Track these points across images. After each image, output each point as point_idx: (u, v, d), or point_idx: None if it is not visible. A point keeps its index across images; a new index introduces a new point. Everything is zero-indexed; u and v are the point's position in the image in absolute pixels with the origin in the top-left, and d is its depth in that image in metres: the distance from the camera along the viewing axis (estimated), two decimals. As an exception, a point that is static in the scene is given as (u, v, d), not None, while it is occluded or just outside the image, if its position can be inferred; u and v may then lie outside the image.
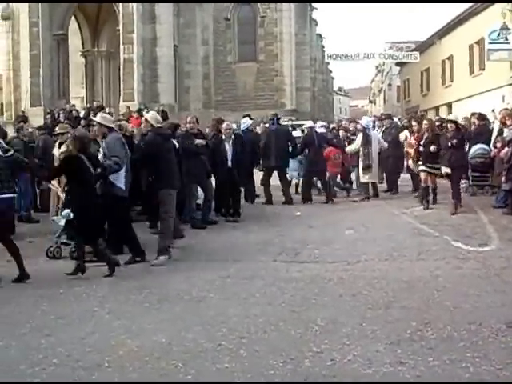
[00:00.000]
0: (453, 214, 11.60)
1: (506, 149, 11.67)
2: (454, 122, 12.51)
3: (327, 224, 11.23)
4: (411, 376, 4.43)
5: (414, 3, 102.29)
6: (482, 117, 16.60)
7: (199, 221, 11.06)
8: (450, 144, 11.95)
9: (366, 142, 14.16)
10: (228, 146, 11.73)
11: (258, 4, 38.55)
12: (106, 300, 6.64)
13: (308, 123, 16.21)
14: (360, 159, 14.38)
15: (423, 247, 8.95)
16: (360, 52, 35.99)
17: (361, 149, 14.26)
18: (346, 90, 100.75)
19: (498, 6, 27.84)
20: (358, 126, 15.29)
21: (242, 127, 14.50)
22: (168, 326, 5.68)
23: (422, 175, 12.65)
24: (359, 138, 14.45)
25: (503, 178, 11.75)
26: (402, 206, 13.02)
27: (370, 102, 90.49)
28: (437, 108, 38.62)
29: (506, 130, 12.66)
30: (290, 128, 18.25)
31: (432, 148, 12.18)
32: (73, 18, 36.29)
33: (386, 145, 14.78)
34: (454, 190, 12.12)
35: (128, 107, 27.19)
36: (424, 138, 12.68)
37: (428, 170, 12.49)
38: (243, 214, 12.00)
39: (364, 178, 14.51)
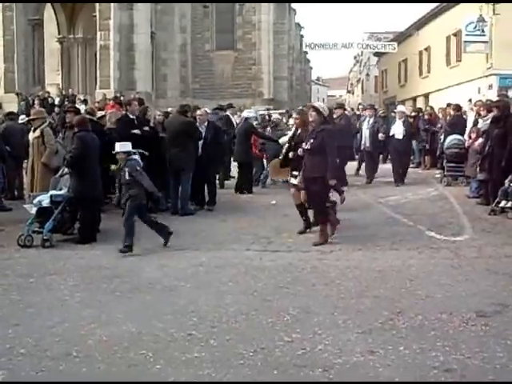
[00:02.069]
0: (316, 244, 8.48)
1: (480, 139, 11.76)
2: (316, 108, 8.77)
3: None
4: (381, 365, 4.44)
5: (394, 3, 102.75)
6: (457, 107, 16.76)
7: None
8: (303, 148, 8.80)
9: None
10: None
11: (237, -9, 38.32)
12: (77, 289, 6.56)
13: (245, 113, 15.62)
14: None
15: (397, 237, 8.98)
16: (338, 42, 35.92)
17: None
18: (324, 79, 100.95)
19: (475, -2, 27.99)
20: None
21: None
22: (138, 315, 5.63)
23: (292, 189, 9.59)
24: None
25: (477, 169, 11.84)
26: (377, 195, 13.06)
27: (348, 92, 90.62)
28: (414, 99, 38.81)
29: (480, 121, 12.77)
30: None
31: (299, 151, 9.05)
32: (48, 3, 35.71)
33: None
34: (316, 211, 8.97)
35: (104, 94, 26.95)
36: (295, 136, 9.71)
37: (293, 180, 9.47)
38: (218, 203, 11.94)
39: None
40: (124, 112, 11.93)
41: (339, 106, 17.18)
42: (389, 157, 17.21)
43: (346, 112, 17.55)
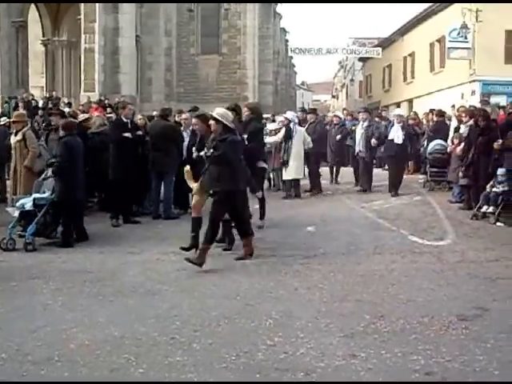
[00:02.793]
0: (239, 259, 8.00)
1: (463, 145, 11.86)
2: (214, 117, 7.94)
3: (286, 217, 11.25)
4: (363, 368, 4.46)
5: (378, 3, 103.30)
6: (440, 113, 16.90)
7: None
8: (198, 154, 8.39)
9: (288, 136, 13.30)
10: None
11: (222, -4, 38.34)
12: (60, 293, 6.52)
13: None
14: (280, 155, 13.66)
15: (380, 241, 9.04)
16: (323, 47, 36.13)
17: (282, 144, 13.41)
18: (308, 84, 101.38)
19: (458, 6, 28.30)
20: (281, 119, 14.47)
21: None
22: (121, 319, 5.61)
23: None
24: (282, 130, 13.57)
25: (460, 174, 11.95)
26: (361, 201, 13.13)
27: (333, 96, 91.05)
28: (398, 104, 39.04)
29: (462, 127, 12.87)
30: None
31: (194, 155, 8.70)
32: (33, 5, 35.51)
33: (310, 145, 13.68)
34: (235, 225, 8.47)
35: (89, 97, 26.84)
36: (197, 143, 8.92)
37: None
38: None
39: (284, 175, 13.88)
40: (113, 115, 11.87)
41: (311, 111, 17.12)
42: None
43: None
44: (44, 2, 35.77)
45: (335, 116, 18.38)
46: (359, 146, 14.97)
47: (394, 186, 14.18)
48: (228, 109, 8.63)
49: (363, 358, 4.65)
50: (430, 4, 32.66)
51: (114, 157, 10.49)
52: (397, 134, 13.99)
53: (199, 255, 7.52)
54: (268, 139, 13.27)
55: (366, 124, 15.06)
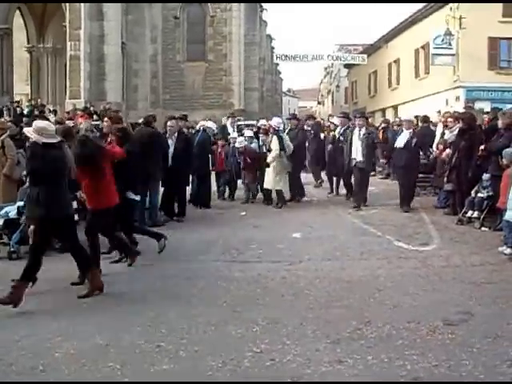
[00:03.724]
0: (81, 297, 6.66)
1: (448, 150, 11.93)
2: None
3: (272, 224, 11.24)
4: (349, 375, 4.46)
5: (364, 3, 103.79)
6: (425, 119, 16.99)
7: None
8: None
9: (282, 147, 12.93)
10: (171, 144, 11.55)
11: (208, 3, 38.39)
12: (45, 301, 6.48)
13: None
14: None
15: (366, 247, 9.05)
16: (309, 53, 36.25)
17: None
18: (294, 90, 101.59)
19: (442, 13, 28.58)
20: (266, 125, 14.16)
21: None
22: (107, 327, 5.57)
23: None
24: (274, 141, 13.03)
25: (445, 179, 12.01)
26: (347, 206, 13.14)
27: (319, 103, 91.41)
28: (383, 110, 39.29)
29: (447, 132, 12.94)
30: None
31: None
32: (18, 12, 35.37)
33: (291, 149, 13.35)
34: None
35: (74, 105, 26.75)
36: None
37: None
38: (188, 214, 11.90)
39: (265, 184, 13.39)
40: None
41: (293, 116, 16.53)
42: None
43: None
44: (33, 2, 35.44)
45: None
46: (357, 156, 13.14)
47: (406, 201, 12.60)
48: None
49: (350, 363, 4.65)
50: (415, 11, 32.93)
51: None
52: (403, 141, 12.53)
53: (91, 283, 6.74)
54: (269, 157, 13.02)
55: (363, 131, 13.23)
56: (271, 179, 13.06)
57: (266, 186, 13.40)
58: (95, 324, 5.66)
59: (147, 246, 8.86)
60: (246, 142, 14.12)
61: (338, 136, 14.69)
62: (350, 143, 13.28)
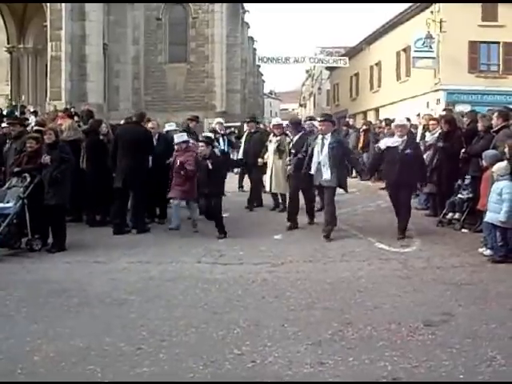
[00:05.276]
0: None
1: (428, 152, 11.98)
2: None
3: (254, 226, 11.23)
4: (330, 376, 4.47)
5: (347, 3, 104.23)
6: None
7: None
8: None
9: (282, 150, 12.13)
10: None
11: (190, 5, 38.24)
12: (24, 303, 6.40)
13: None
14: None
15: (347, 249, 9.08)
16: (291, 56, 36.25)
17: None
18: (276, 93, 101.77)
19: (423, 16, 28.82)
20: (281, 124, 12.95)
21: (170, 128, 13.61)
22: (87, 329, 5.53)
23: None
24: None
25: (425, 181, 12.03)
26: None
27: (301, 105, 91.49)
28: (365, 112, 39.46)
29: (427, 135, 13.02)
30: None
31: None
32: (-4, 12, 35.08)
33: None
34: None
35: (55, 106, 26.51)
36: None
37: None
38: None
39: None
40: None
41: (251, 119, 15.15)
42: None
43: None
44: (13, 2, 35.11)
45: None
46: (321, 170, 9.97)
47: (401, 225, 10.09)
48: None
49: (331, 365, 4.66)
50: (396, 13, 33.15)
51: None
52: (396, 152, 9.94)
53: None
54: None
55: (329, 139, 10.00)
56: (281, 183, 12.16)
57: (275, 190, 12.51)
58: (75, 327, 5.61)
59: (127, 245, 8.82)
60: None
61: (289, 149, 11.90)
62: (310, 157, 10.13)
